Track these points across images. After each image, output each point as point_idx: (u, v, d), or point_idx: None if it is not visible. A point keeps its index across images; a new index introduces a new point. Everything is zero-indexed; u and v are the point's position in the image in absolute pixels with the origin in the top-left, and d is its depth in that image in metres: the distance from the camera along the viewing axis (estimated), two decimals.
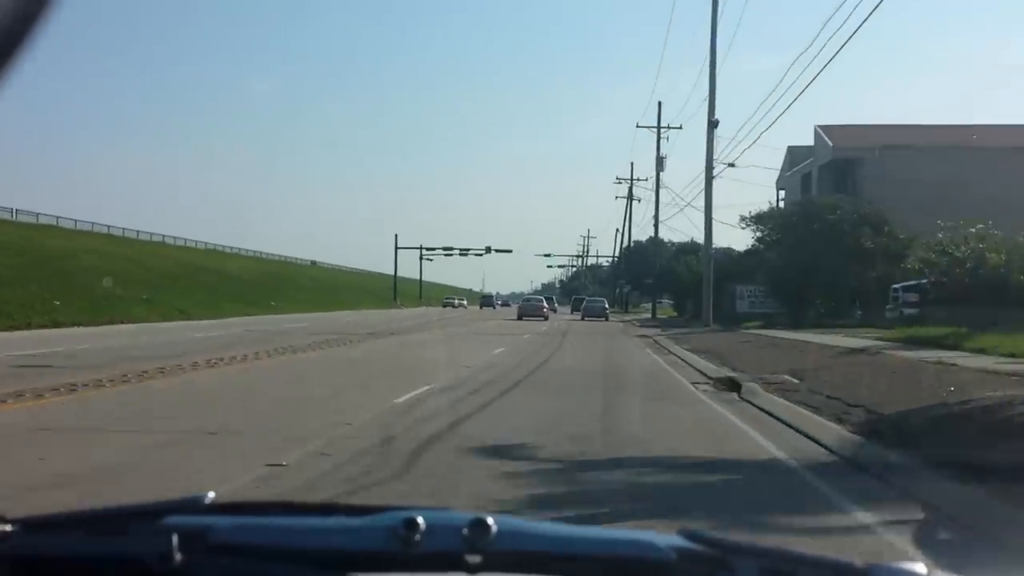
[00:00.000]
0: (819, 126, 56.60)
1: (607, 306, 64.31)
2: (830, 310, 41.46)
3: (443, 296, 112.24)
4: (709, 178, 41.24)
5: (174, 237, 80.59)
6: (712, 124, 40.91)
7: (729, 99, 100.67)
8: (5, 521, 1.42)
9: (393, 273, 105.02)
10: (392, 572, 1.37)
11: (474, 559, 1.36)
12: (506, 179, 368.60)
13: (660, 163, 67.91)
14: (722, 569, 1.37)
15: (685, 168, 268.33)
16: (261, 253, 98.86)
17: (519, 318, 56.44)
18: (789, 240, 41.68)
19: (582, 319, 58.92)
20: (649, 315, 70.19)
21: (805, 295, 41.01)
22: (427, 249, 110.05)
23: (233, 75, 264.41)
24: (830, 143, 53.56)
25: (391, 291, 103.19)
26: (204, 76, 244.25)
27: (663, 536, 1.45)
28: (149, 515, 1.45)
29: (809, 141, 58.42)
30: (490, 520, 1.38)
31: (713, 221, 42.01)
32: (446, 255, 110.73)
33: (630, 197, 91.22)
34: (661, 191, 67.95)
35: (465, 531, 1.37)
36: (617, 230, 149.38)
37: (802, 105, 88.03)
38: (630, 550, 1.44)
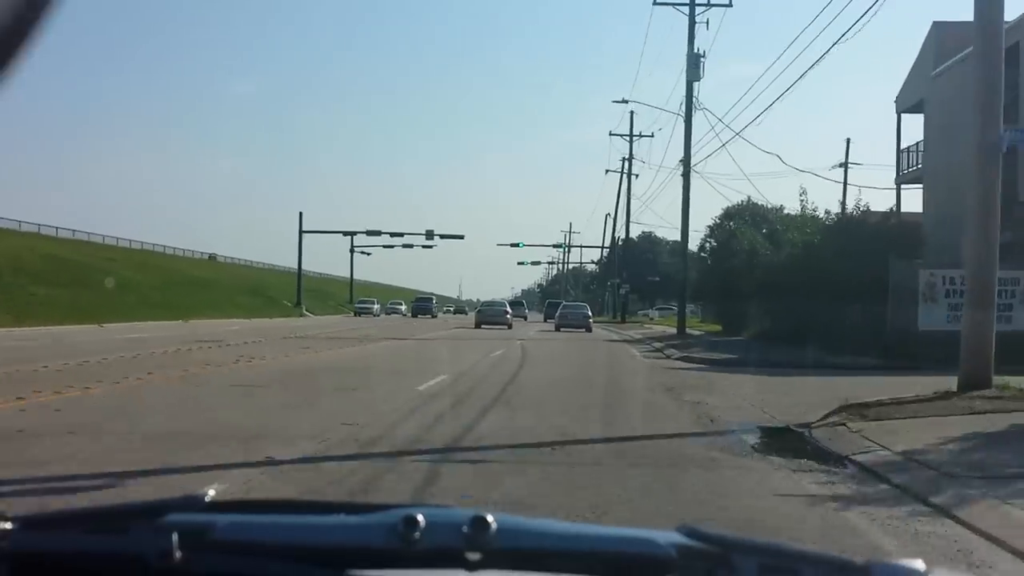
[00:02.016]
0: None
1: (589, 314, 50.77)
2: None
3: (387, 300, 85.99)
4: None
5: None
6: None
7: None
8: (5, 519, 1.39)
9: (297, 267, 75.35)
10: (392, 569, 1.34)
11: (474, 556, 1.33)
12: (480, 176, 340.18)
13: (695, 64, 38.88)
14: (722, 566, 1.34)
15: (727, 92, 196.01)
16: (149, 245, 76.17)
17: (477, 326, 46.62)
18: None
19: (557, 330, 46.48)
20: (673, 329, 41.41)
21: None
22: (350, 234, 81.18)
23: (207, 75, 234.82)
24: None
25: (317, 292, 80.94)
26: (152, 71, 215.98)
27: (663, 533, 1.40)
28: (149, 513, 1.43)
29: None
30: (490, 518, 1.36)
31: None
32: (385, 247, 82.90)
33: (630, 161, 63.65)
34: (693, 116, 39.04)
35: (465, 528, 1.35)
36: (608, 215, 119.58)
37: None
38: (630, 547, 1.40)
